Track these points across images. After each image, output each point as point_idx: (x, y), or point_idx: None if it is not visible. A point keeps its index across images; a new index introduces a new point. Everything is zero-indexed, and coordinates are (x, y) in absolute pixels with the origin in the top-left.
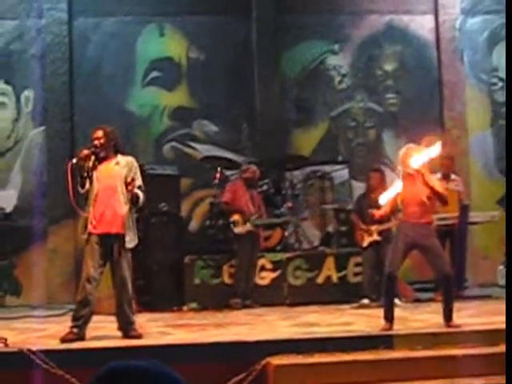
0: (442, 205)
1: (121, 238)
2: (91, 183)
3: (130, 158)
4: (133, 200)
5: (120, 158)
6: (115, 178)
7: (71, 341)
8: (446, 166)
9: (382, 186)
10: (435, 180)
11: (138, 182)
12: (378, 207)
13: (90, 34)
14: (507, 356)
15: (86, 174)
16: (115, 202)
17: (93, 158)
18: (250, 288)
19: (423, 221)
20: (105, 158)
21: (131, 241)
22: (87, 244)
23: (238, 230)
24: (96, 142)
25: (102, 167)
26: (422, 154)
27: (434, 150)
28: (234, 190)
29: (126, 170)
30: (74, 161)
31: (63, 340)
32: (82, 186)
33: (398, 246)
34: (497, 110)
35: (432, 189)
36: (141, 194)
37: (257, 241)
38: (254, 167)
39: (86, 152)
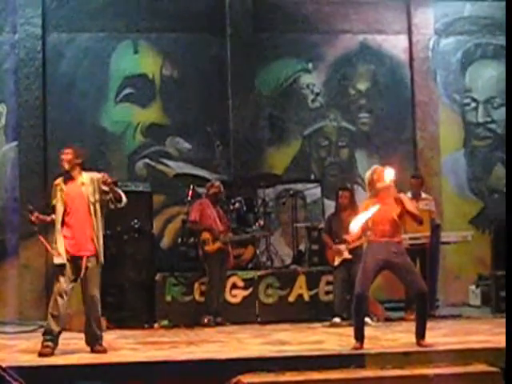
0: (418, 224)
1: (93, 258)
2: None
3: (93, 174)
4: (116, 198)
5: (84, 176)
6: (83, 198)
7: (49, 355)
8: (415, 185)
9: (352, 204)
10: (408, 201)
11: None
12: (348, 227)
13: (64, 49)
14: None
15: (53, 202)
16: (85, 223)
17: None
18: (221, 305)
19: (395, 240)
20: (71, 178)
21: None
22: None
23: (208, 248)
24: (63, 157)
25: (69, 189)
26: (389, 174)
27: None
28: (202, 209)
29: (91, 188)
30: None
31: (41, 354)
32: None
33: (367, 265)
34: (469, 131)
35: (409, 213)
36: (121, 192)
37: (226, 258)
38: (217, 182)
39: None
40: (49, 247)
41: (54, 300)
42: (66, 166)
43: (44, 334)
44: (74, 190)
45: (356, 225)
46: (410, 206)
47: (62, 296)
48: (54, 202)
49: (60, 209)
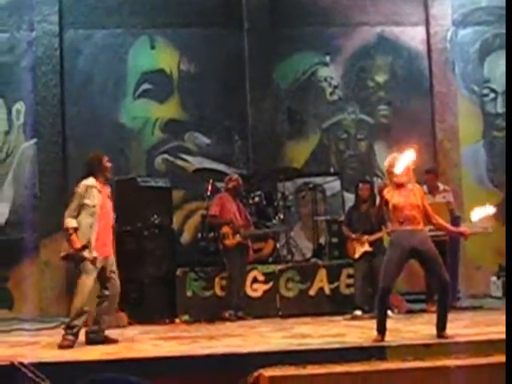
0: (427, 221)
1: (112, 258)
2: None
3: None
4: None
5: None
6: (111, 202)
7: (68, 347)
8: (430, 179)
9: (372, 197)
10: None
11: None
12: (374, 216)
13: (81, 46)
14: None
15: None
16: (109, 227)
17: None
18: (241, 299)
19: (420, 227)
20: (105, 183)
21: None
22: (91, 262)
23: (228, 242)
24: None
25: (104, 192)
26: (403, 159)
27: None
28: (222, 203)
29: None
30: None
31: (61, 347)
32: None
33: (392, 257)
34: (488, 121)
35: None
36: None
37: (246, 252)
38: (235, 176)
39: None
40: (78, 243)
41: (83, 297)
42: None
43: (67, 328)
44: (106, 194)
45: (478, 216)
46: (426, 201)
47: (90, 294)
48: (87, 201)
49: (98, 209)
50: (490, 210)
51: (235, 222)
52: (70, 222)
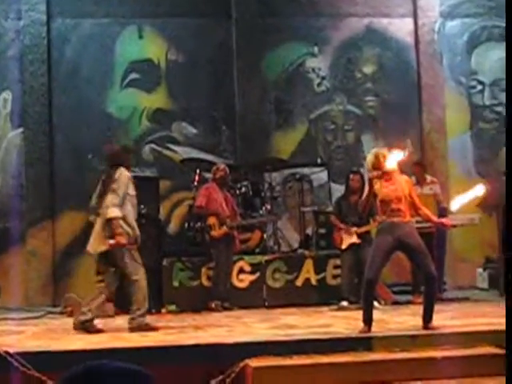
0: (415, 212)
1: None
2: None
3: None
4: None
5: None
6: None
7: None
8: (418, 171)
9: (362, 188)
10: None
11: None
12: (361, 208)
13: (69, 35)
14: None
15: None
16: None
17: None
18: (228, 290)
19: (406, 219)
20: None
21: None
22: (135, 250)
23: (214, 233)
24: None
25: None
26: (394, 154)
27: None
28: (208, 194)
29: None
30: None
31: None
32: None
33: (378, 248)
34: (475, 113)
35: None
36: None
37: (232, 243)
38: (222, 165)
39: None
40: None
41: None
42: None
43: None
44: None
45: (457, 204)
46: (414, 191)
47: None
48: (131, 191)
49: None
50: (469, 195)
51: (222, 212)
52: (116, 212)
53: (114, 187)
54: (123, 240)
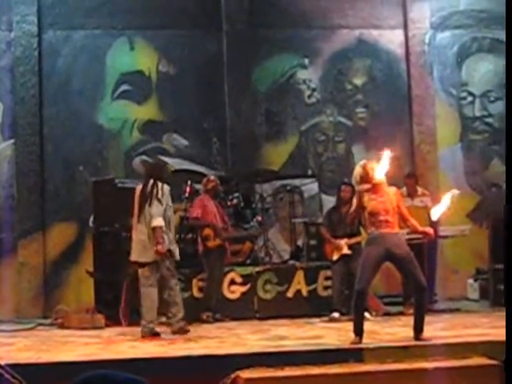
0: (404, 224)
1: None
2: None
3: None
4: None
5: None
6: None
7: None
8: (409, 184)
9: (353, 199)
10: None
11: None
12: (349, 220)
13: (60, 46)
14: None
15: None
16: None
17: None
18: (219, 301)
19: (395, 230)
20: None
21: None
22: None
23: (210, 244)
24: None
25: None
26: (381, 165)
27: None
28: (203, 205)
29: None
30: None
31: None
32: None
33: (368, 259)
34: (466, 125)
35: (400, 209)
36: None
37: (224, 254)
38: (213, 177)
39: None
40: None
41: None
42: None
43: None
44: None
45: (437, 213)
46: (402, 202)
47: None
48: (170, 203)
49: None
50: (446, 201)
51: (216, 224)
52: (160, 221)
53: (159, 198)
54: (165, 248)
